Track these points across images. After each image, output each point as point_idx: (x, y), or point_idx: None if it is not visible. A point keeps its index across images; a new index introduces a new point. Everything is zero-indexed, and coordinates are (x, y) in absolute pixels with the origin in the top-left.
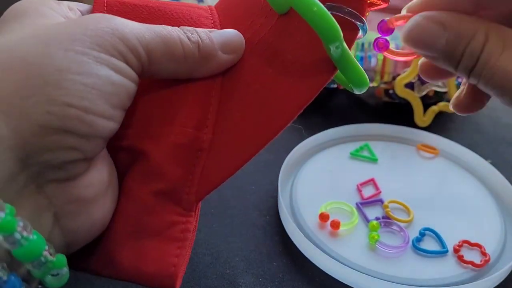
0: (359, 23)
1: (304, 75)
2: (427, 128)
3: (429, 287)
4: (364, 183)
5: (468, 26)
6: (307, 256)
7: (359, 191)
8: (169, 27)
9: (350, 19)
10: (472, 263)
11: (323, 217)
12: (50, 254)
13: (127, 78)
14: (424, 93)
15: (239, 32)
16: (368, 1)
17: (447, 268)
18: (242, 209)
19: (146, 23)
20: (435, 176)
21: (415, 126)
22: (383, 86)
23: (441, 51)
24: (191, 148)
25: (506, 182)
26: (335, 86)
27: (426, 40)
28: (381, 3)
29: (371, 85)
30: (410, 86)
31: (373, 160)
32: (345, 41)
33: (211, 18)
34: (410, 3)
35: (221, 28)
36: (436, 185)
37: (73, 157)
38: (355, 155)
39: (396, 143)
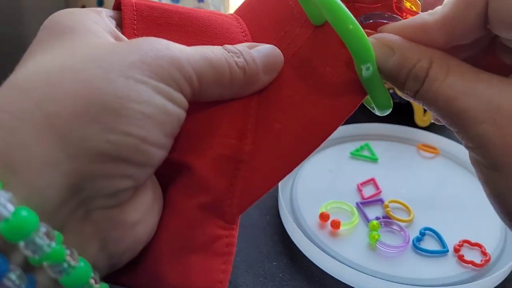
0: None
1: (338, 93)
2: (427, 128)
3: (429, 287)
4: (364, 183)
5: (414, 52)
6: (307, 255)
7: (359, 190)
8: (216, 49)
9: (390, 22)
10: (472, 262)
11: (323, 217)
12: (95, 282)
13: (180, 107)
14: None
15: (278, 50)
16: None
17: (448, 268)
18: None
19: (178, 29)
20: (435, 176)
21: (415, 126)
22: None
23: (388, 71)
24: (233, 159)
25: None
26: None
27: (377, 60)
28: (415, 12)
29: None
30: None
31: (373, 159)
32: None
33: (239, 26)
34: (385, 26)
35: (252, 39)
36: (436, 184)
37: (126, 186)
38: (355, 155)
39: (396, 143)
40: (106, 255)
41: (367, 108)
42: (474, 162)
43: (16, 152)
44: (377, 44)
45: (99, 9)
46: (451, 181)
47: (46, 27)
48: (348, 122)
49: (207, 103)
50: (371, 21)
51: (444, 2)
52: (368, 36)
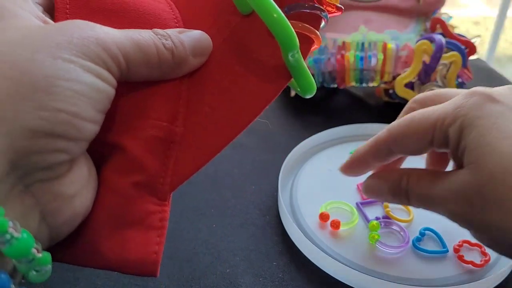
0: (321, 13)
1: (265, 77)
2: None
3: (429, 287)
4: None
5: (396, 175)
6: (307, 256)
7: (359, 190)
8: (144, 33)
9: (312, 11)
10: (472, 263)
11: (323, 217)
12: (37, 251)
13: (109, 84)
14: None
15: (207, 35)
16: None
17: (447, 268)
18: (242, 209)
19: (111, 14)
20: None
21: None
22: (383, 86)
23: (388, 193)
24: (165, 141)
25: None
26: (335, 86)
27: (377, 191)
28: (335, 11)
29: (371, 84)
30: (410, 86)
31: None
32: (301, 51)
33: (172, 13)
34: (359, 147)
35: (184, 24)
36: None
37: (61, 159)
38: None
39: None
40: (46, 227)
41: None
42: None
43: None
44: (371, 181)
45: None
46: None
47: None
48: (348, 122)
49: (139, 84)
50: (295, 11)
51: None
52: (292, 27)
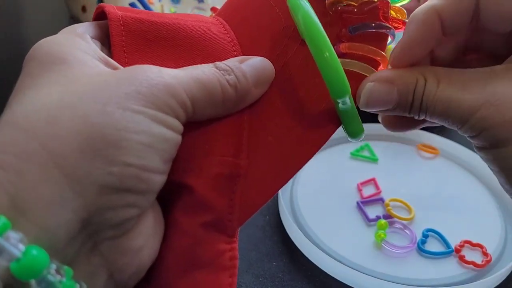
0: (388, 30)
1: (315, 119)
2: (427, 128)
3: (430, 287)
4: (365, 183)
5: (410, 76)
6: (307, 256)
7: (359, 190)
8: (206, 69)
9: (378, 30)
10: (473, 263)
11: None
12: None
13: (176, 132)
14: None
15: (269, 62)
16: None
17: (448, 269)
18: None
19: (168, 43)
20: (435, 176)
21: None
22: None
23: (396, 102)
24: (231, 176)
25: None
26: None
27: (382, 99)
28: (403, 26)
29: None
30: None
31: (373, 160)
32: (355, 95)
33: (227, 35)
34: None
35: (241, 48)
36: (437, 185)
37: (131, 214)
38: (355, 155)
39: (396, 143)
40: (113, 283)
41: None
42: (480, 149)
43: (23, 194)
44: (376, 86)
45: (82, 30)
46: (451, 182)
47: (34, 58)
48: None
49: (201, 121)
50: (360, 31)
51: None
52: (357, 61)
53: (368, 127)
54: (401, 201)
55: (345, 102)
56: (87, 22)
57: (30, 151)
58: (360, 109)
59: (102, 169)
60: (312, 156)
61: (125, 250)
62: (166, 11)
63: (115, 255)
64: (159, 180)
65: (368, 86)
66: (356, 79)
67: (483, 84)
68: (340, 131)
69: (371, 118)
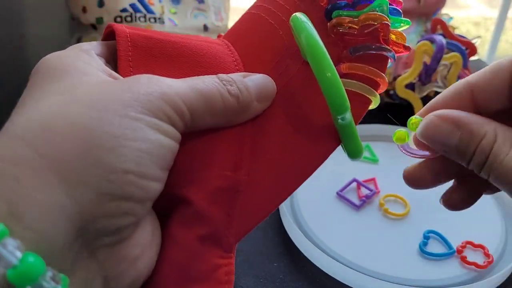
0: (388, 53)
1: (316, 136)
2: None
3: None
4: (365, 182)
5: (479, 126)
6: (308, 257)
7: (358, 189)
8: (208, 80)
9: (378, 52)
10: (475, 264)
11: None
12: None
13: (173, 139)
14: (425, 93)
15: (271, 79)
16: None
17: (450, 269)
18: None
19: (173, 60)
20: None
21: None
22: None
23: (455, 147)
24: (230, 191)
25: None
26: None
27: (441, 138)
28: (403, 51)
29: None
30: (411, 87)
31: (373, 161)
32: (354, 115)
33: (231, 55)
34: (421, 111)
35: (244, 67)
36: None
37: (128, 222)
38: None
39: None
40: None
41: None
42: None
43: (20, 200)
44: (439, 121)
45: (87, 47)
46: (452, 182)
47: (38, 71)
48: None
49: (202, 133)
50: (360, 53)
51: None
52: (358, 81)
53: (368, 128)
54: (396, 196)
55: (344, 118)
56: (94, 42)
57: (26, 158)
58: (418, 138)
59: (100, 176)
60: (312, 173)
61: (121, 258)
62: (166, 11)
63: (111, 262)
64: (156, 187)
65: (429, 118)
66: (355, 99)
67: None
68: None
69: (371, 119)
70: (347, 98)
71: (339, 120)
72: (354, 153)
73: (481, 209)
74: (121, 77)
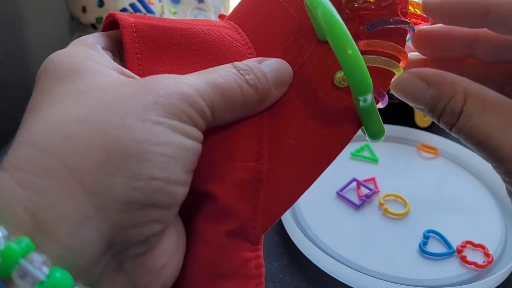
0: (407, 26)
1: (337, 119)
2: (427, 129)
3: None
4: (365, 182)
5: (448, 86)
6: (307, 256)
7: (358, 189)
8: (224, 71)
9: (397, 26)
10: (475, 264)
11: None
12: None
13: (196, 140)
14: None
15: (287, 63)
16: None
17: (450, 269)
18: None
19: (182, 48)
20: (435, 176)
21: (415, 126)
22: None
23: (426, 104)
24: (253, 181)
25: None
26: None
27: (413, 94)
28: (421, 22)
29: None
30: None
31: (373, 160)
32: (380, 85)
33: (241, 38)
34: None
35: (256, 50)
36: (437, 185)
37: (156, 230)
38: (355, 156)
39: (396, 144)
40: None
41: None
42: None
43: (44, 212)
44: (412, 79)
45: (92, 41)
46: (451, 182)
47: (45, 73)
48: None
49: (220, 126)
50: (378, 28)
51: None
52: (379, 56)
53: None
54: (395, 195)
55: (366, 100)
56: (96, 33)
57: (48, 168)
58: (391, 91)
59: (125, 184)
60: (335, 157)
61: (149, 268)
62: (166, 11)
63: (139, 273)
64: (182, 192)
65: (403, 75)
66: (377, 77)
67: None
68: None
69: None
70: (370, 78)
71: (361, 102)
72: (376, 134)
73: (481, 209)
74: (133, 75)
